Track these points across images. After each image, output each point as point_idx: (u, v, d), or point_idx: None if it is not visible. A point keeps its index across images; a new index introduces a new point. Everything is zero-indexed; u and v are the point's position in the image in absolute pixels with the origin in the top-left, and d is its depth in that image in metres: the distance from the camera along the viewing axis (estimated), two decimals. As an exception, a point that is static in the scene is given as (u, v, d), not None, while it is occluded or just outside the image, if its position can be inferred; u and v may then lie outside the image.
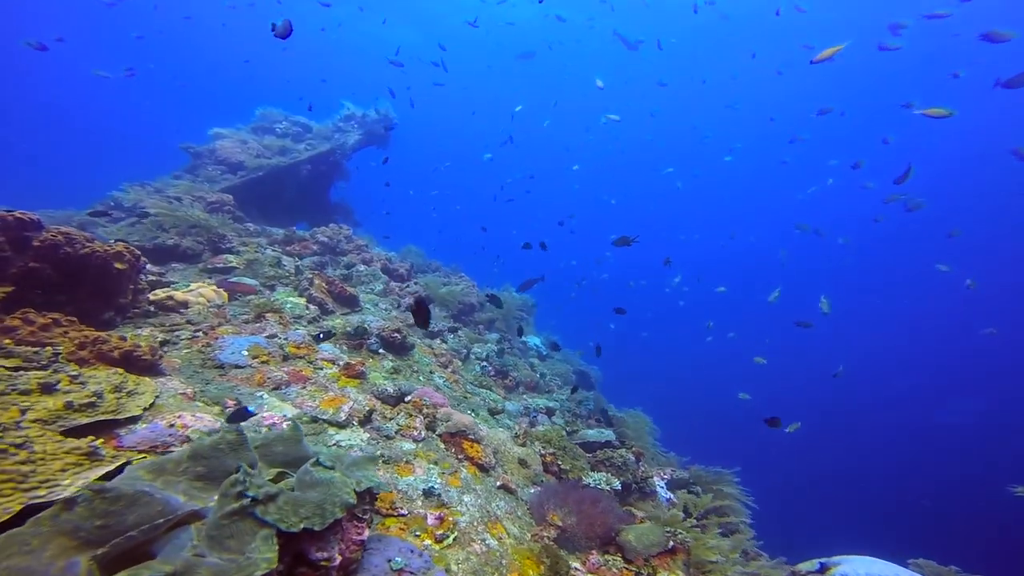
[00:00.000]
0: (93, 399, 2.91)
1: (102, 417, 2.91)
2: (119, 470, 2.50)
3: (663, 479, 6.15)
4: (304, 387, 4.48)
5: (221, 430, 2.49)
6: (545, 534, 3.94)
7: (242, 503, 2.05)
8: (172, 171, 10.89)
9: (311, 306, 6.30)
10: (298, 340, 5.18)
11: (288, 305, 6.06)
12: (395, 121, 14.48)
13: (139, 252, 5.02)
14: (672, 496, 5.88)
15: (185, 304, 5.48)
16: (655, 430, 8.00)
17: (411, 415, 4.60)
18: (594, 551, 4.06)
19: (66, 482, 2.22)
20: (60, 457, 2.31)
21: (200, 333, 4.82)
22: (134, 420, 3.15)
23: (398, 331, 6.07)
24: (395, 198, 16.59)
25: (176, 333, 4.73)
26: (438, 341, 7.40)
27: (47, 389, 2.85)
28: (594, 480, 5.05)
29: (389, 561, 2.80)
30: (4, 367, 2.88)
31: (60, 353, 3.42)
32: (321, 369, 4.92)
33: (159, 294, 5.52)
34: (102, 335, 3.67)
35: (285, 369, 4.62)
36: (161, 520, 2.01)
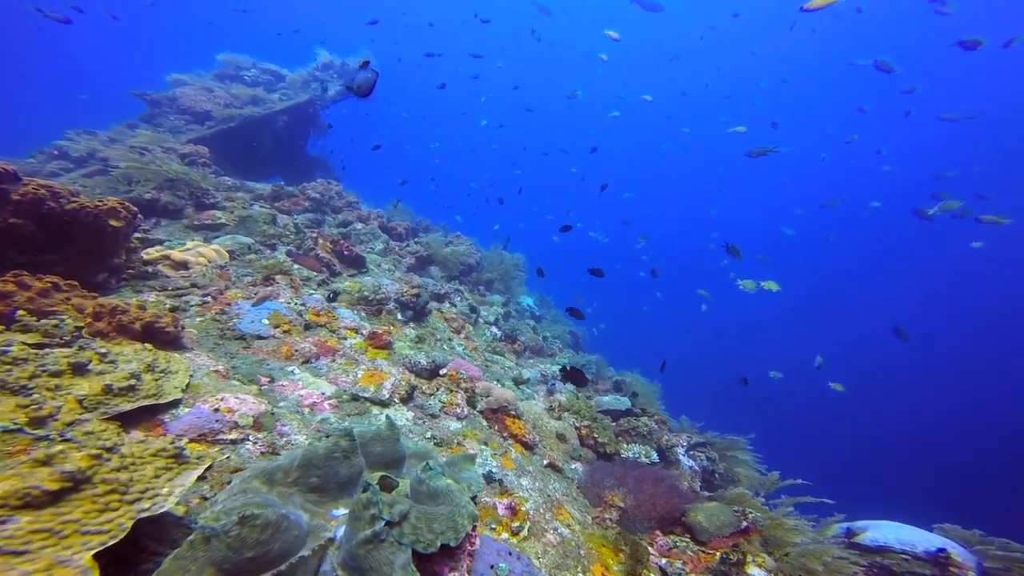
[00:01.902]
0: (132, 381, 2.52)
1: (144, 402, 2.53)
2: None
3: (683, 447, 6.15)
4: (334, 360, 4.13)
5: (335, 436, 2.18)
6: (607, 516, 3.79)
7: (375, 529, 1.78)
8: (125, 120, 9.90)
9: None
10: (317, 306, 4.78)
11: (295, 267, 5.61)
12: (377, 72, 13.54)
13: (136, 208, 4.46)
14: (694, 464, 5.89)
15: (184, 264, 4.97)
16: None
17: (451, 391, 4.33)
18: (658, 532, 3.94)
19: (164, 490, 1.89)
20: (148, 460, 1.96)
21: (209, 298, 4.37)
22: (175, 404, 2.78)
23: (416, 295, 5.72)
24: (381, 156, 15.69)
25: (184, 299, 4.26)
26: (447, 305, 7.08)
27: (79, 370, 2.44)
28: (633, 453, 4.95)
29: (492, 567, 2.59)
30: (26, 344, 2.44)
31: (82, 327, 2.97)
32: (345, 339, 4.57)
33: (152, 253, 4.98)
34: (119, 303, 3.22)
35: (310, 340, 4.25)
36: (307, 553, 1.79)
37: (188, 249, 5.21)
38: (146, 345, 2.97)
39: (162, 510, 1.81)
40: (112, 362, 2.66)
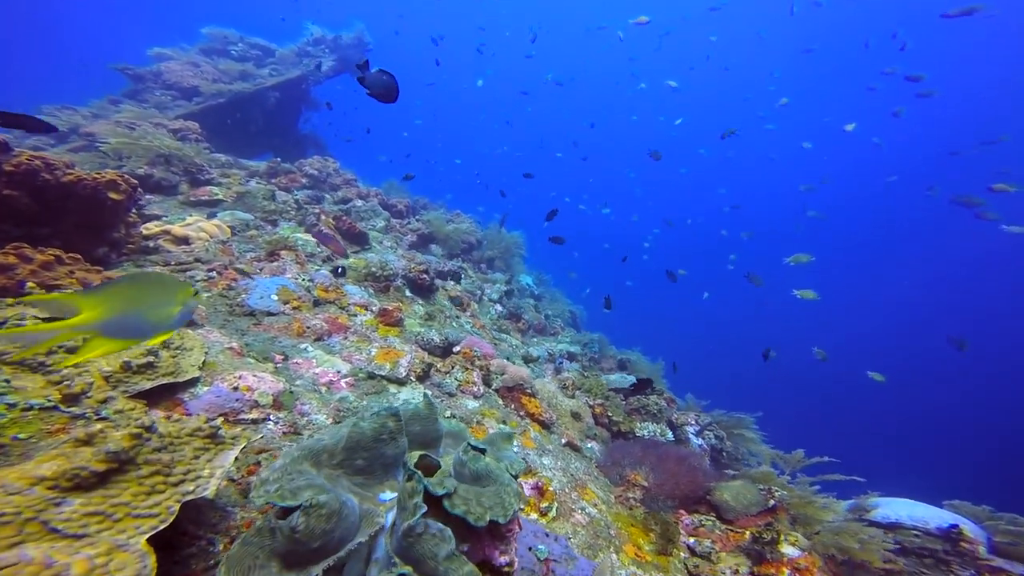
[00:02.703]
0: (150, 358, 2.39)
1: (163, 380, 2.41)
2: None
3: (691, 425, 6.13)
4: (346, 337, 4.02)
5: (382, 416, 2.08)
6: (630, 495, 3.75)
7: (414, 521, 1.71)
8: (106, 95, 9.54)
9: (322, 245, 5.70)
10: (325, 282, 4.65)
11: (299, 242, 5.45)
12: (370, 45, 13.19)
13: (136, 182, 4.27)
14: (703, 443, 5.88)
15: (186, 239, 4.80)
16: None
17: (467, 369, 4.23)
18: (682, 511, 3.91)
19: (206, 472, 1.79)
20: (185, 440, 1.84)
21: (215, 273, 4.22)
22: (193, 383, 2.65)
23: (425, 271, 5.60)
24: (374, 134, 15.34)
25: (189, 274, 4.11)
26: (451, 282, 6.96)
27: (95, 346, 2.31)
28: (648, 431, 4.92)
29: (531, 549, 2.53)
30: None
31: None
32: (356, 316, 4.45)
33: (152, 228, 4.81)
34: (128, 278, 3.07)
35: (321, 316, 4.13)
36: (364, 539, 1.70)
37: (188, 224, 5.04)
38: (159, 320, 2.84)
39: (206, 492, 1.72)
40: (127, 337, 2.53)
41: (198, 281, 4.03)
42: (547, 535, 2.82)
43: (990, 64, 33.13)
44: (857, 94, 36.00)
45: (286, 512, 1.75)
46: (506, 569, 2.06)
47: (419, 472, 1.81)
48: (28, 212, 3.80)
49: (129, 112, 8.44)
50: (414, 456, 2.33)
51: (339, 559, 1.78)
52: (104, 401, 1.96)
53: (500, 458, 2.28)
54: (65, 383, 1.90)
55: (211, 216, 5.69)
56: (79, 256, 3.40)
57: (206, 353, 2.90)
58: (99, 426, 1.70)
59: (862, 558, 4.04)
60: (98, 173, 4.01)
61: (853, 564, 4.06)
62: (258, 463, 2.48)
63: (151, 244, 4.48)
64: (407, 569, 1.69)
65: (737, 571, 3.69)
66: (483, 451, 2.15)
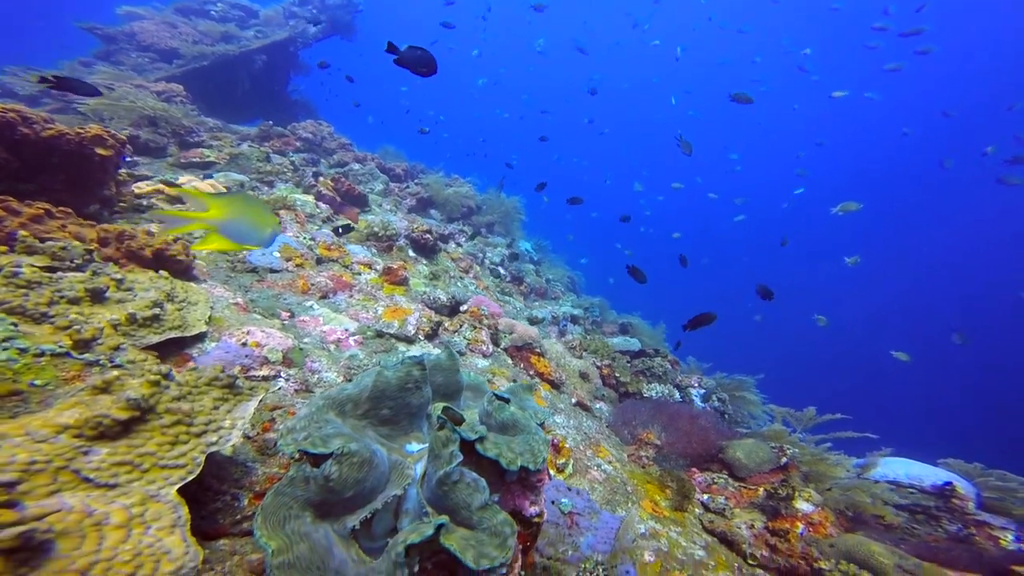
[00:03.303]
0: (156, 310, 2.25)
1: (170, 334, 2.28)
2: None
3: (695, 387, 6.11)
4: (351, 295, 3.89)
5: (407, 364, 1.97)
6: (643, 453, 3.71)
7: (450, 468, 1.63)
8: (75, 56, 9.06)
9: (321, 204, 5.51)
10: (327, 240, 4.49)
11: (298, 202, 5.26)
12: (360, 6, 12.67)
13: (123, 138, 4.04)
14: (707, 405, 5.86)
15: (180, 199, 4.59)
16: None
17: (475, 327, 4.13)
18: (694, 469, 3.88)
19: (227, 423, 1.68)
20: (203, 390, 1.73)
21: (213, 232, 4.05)
22: (201, 338, 2.53)
23: (428, 232, 5.45)
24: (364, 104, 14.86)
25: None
26: (452, 245, 6.81)
27: (97, 297, 2.17)
28: (656, 392, 4.87)
29: (555, 503, 2.47)
30: (34, 266, 2.15)
31: (93, 250, 2.67)
32: (360, 274, 4.31)
33: (144, 187, 4.59)
34: (126, 228, 2.91)
35: (325, 274, 3.99)
36: (399, 491, 1.63)
37: (182, 184, 4.83)
38: (161, 273, 2.69)
39: (229, 443, 1.63)
40: (129, 289, 2.39)
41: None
42: (569, 489, 2.77)
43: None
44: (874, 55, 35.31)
45: (317, 461, 1.66)
46: (536, 520, 1.98)
47: (451, 422, 1.72)
48: (8, 167, 3.58)
49: (104, 74, 8.03)
50: (438, 408, 2.24)
51: (373, 510, 1.70)
52: (116, 348, 1.83)
53: (524, 408, 2.20)
54: (75, 328, 1.77)
55: (205, 178, 5.47)
56: (70, 211, 3.22)
57: (211, 308, 2.76)
58: (115, 373, 1.59)
59: (873, 512, 4.06)
60: (81, 128, 3.78)
61: (857, 519, 4.09)
62: (272, 420, 2.38)
63: (144, 203, 4.28)
64: (443, 518, 1.61)
65: (752, 525, 3.70)
66: (507, 400, 2.06)
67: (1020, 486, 4.72)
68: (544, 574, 2.42)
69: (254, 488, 2.00)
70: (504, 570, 1.77)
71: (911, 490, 4.91)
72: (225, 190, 5.05)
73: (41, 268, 2.20)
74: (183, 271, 3.10)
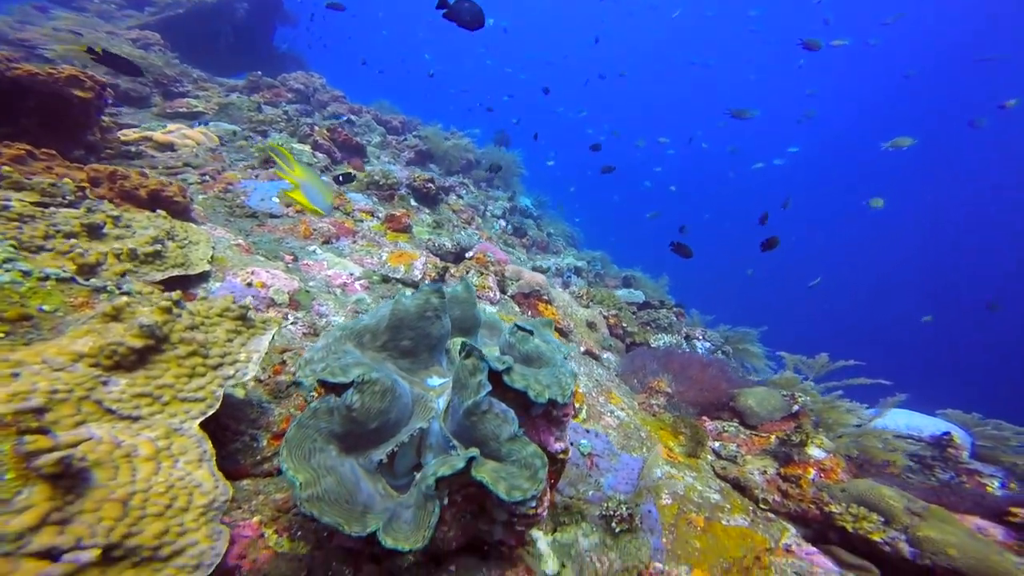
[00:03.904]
0: (157, 247, 2.12)
1: (173, 272, 2.16)
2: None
3: (700, 339, 6.07)
4: (354, 241, 3.76)
5: (425, 292, 1.86)
6: (654, 402, 3.66)
7: (479, 398, 1.54)
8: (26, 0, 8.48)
9: (318, 154, 5.31)
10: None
11: (295, 151, 5.06)
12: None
13: (103, 80, 3.81)
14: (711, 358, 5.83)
15: (170, 146, 4.39)
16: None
17: (482, 273, 4.01)
18: (705, 418, 3.84)
19: (242, 356, 1.59)
20: (215, 321, 1.64)
21: (208, 177, 3.88)
22: (204, 277, 2.41)
23: (430, 181, 5.27)
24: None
25: (180, 177, 3.77)
26: (453, 197, 6.63)
27: (94, 233, 2.03)
28: (663, 342, 4.81)
29: (574, 444, 2.40)
30: (24, 201, 2.00)
31: (85, 188, 2.51)
32: (362, 221, 4.17)
33: (131, 135, 4.38)
34: (118, 169, 2.75)
35: (327, 220, 3.85)
36: (425, 424, 1.59)
37: (171, 131, 4.61)
38: (159, 212, 2.55)
39: (246, 377, 1.55)
40: (127, 227, 2.25)
41: (191, 184, 3.69)
42: (587, 432, 2.71)
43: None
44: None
45: (337, 393, 1.57)
46: (561, 456, 1.91)
47: (480, 349, 1.62)
48: (-26, 109, 3.37)
49: (66, 19, 7.46)
50: (457, 342, 2.15)
51: (399, 443, 1.62)
52: (122, 275, 1.72)
53: (547, 341, 2.11)
54: (77, 252, 1.65)
55: (194, 127, 5.24)
56: (54, 152, 3.04)
57: (213, 248, 2.63)
58: (125, 299, 1.48)
59: (884, 459, 4.07)
60: (53, 68, 3.54)
61: (865, 465, 4.11)
62: (283, 362, 2.29)
63: (133, 149, 4.08)
64: (474, 451, 1.53)
65: (764, 471, 3.69)
66: (531, 332, 1.97)
67: (1014, 435, 4.77)
68: (566, 513, 2.38)
69: (271, 429, 1.92)
70: (535, 503, 1.71)
71: (911, 440, 4.95)
72: (217, 139, 4.83)
73: (34, 204, 2.06)
74: (181, 212, 2.95)
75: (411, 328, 1.81)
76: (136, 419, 1.34)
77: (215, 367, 1.51)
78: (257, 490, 1.77)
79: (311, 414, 1.47)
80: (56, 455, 1.07)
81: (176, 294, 1.54)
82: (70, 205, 2.28)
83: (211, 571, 1.28)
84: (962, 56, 34.60)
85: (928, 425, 5.04)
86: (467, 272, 3.99)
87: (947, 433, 4.78)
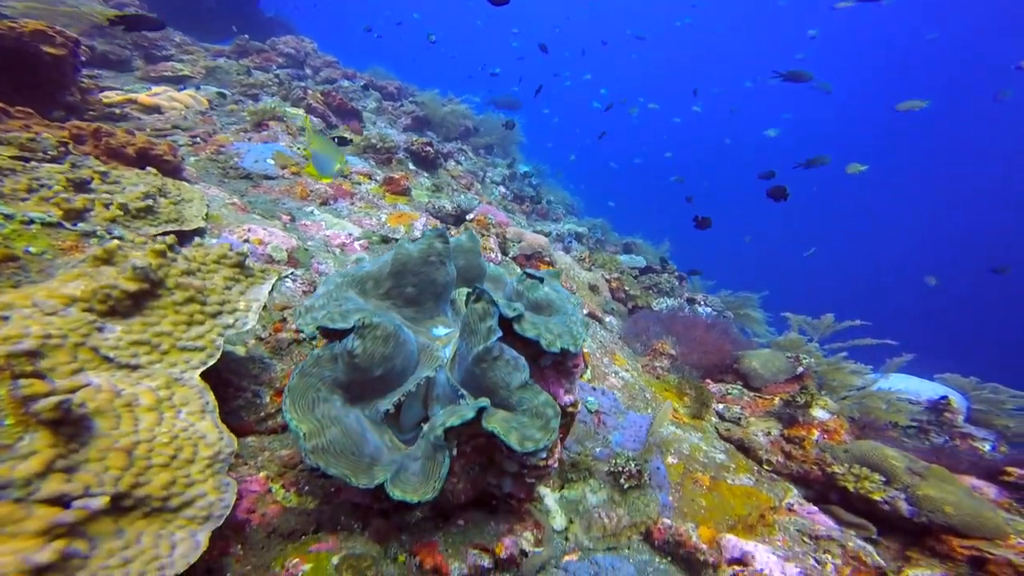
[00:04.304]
0: (149, 202, 2.04)
1: (168, 227, 2.08)
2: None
3: (701, 304, 6.03)
4: (352, 203, 3.67)
5: (429, 237, 1.79)
6: (657, 364, 3.63)
7: (490, 343, 1.48)
8: None
9: (312, 118, 5.17)
10: (322, 152, 4.21)
11: (288, 115, 4.92)
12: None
13: (75, 36, 3.63)
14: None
15: (157, 109, 4.25)
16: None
17: (483, 234, 3.94)
18: (708, 380, 3.81)
19: (241, 305, 1.54)
20: (212, 267, 1.58)
21: (199, 140, 3.76)
22: (200, 234, 2.33)
23: (429, 144, 5.15)
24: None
25: (170, 138, 3.65)
26: (452, 163, 6.50)
27: (81, 188, 1.95)
28: (666, 306, 4.77)
29: (580, 401, 2.37)
30: (1, 155, 1.91)
31: (67, 143, 2.41)
32: (360, 184, 4.07)
33: (114, 97, 4.23)
34: (102, 126, 2.64)
35: (324, 183, 3.75)
36: (431, 373, 1.54)
37: (157, 94, 4.45)
38: (149, 169, 2.45)
39: (247, 327, 1.51)
40: (116, 182, 2.16)
41: (181, 146, 3.57)
42: (594, 389, 2.67)
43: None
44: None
45: (341, 340, 1.51)
46: (570, 409, 1.87)
47: (490, 293, 1.55)
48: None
49: None
50: (463, 292, 2.09)
51: (406, 392, 1.57)
52: (112, 221, 1.65)
53: (556, 291, 2.05)
54: (62, 196, 1.57)
55: (181, 90, 5.07)
56: (31, 111, 2.91)
57: (208, 205, 2.54)
58: (116, 242, 1.41)
59: (888, 419, 4.08)
60: (13, 23, 3.34)
61: (868, 427, 4.11)
62: (284, 320, 2.23)
63: (118, 111, 3.93)
64: (484, 401, 1.47)
65: (769, 433, 3.69)
66: (540, 280, 1.90)
67: (1009, 398, 4.80)
68: (573, 469, 2.36)
69: (274, 385, 1.87)
70: (545, 454, 1.67)
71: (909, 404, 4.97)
72: (207, 102, 4.68)
73: (9, 158, 1.96)
74: (172, 171, 2.85)
75: (415, 274, 1.75)
76: (135, 368, 1.29)
77: (214, 315, 1.45)
78: (262, 446, 1.73)
79: (313, 362, 1.41)
80: (54, 399, 1.04)
81: (170, 238, 1.47)
82: (53, 161, 2.18)
83: (221, 523, 1.25)
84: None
85: (926, 390, 5.06)
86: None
87: (944, 397, 4.80)
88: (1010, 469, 3.54)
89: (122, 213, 1.86)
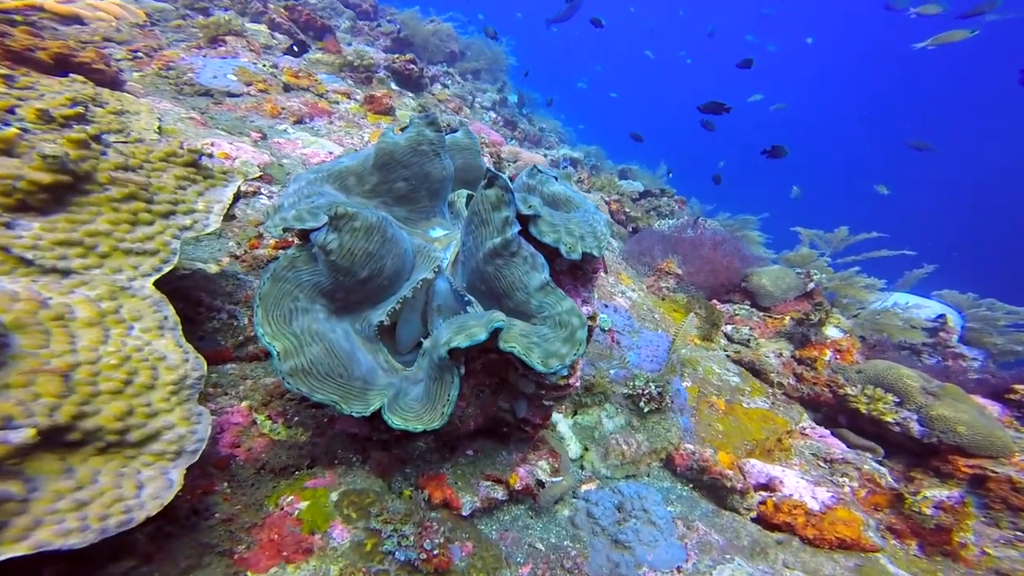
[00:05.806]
0: (79, 109, 1.70)
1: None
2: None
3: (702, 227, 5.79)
4: (331, 122, 3.34)
5: (417, 124, 1.50)
6: (663, 284, 3.44)
7: (508, 236, 1.21)
8: None
9: (277, 35, 4.68)
10: (292, 66, 3.81)
11: (249, 31, 4.43)
12: None
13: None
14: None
15: (77, 19, 3.72)
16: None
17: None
18: (715, 301, 3.63)
19: (200, 206, 1.31)
20: (158, 166, 1.33)
21: (141, 54, 3.34)
22: (152, 144, 2.02)
23: (412, 62, 4.72)
24: None
25: (107, 51, 3.22)
26: (438, 86, 6.04)
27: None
28: (668, 227, 4.55)
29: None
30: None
31: None
32: (338, 103, 3.71)
33: (8, 2, 3.68)
34: None
35: (297, 100, 3.39)
36: (429, 275, 1.31)
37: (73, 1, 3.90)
38: (75, 77, 2.09)
39: (208, 229, 1.30)
40: (29, 88, 1.81)
41: (119, 61, 3.15)
42: (606, 306, 2.46)
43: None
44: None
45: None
46: (588, 322, 1.64)
47: (504, 176, 1.27)
48: None
49: None
50: (462, 194, 1.82)
51: (401, 299, 1.32)
52: (8, 110, 1.37)
53: (569, 189, 1.79)
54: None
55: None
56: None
57: (159, 120, 2.21)
58: (13, 130, 1.13)
59: (903, 337, 3.96)
60: None
61: (875, 345, 4.01)
62: (259, 236, 1.97)
63: (18, 18, 3.40)
64: (500, 320, 1.20)
65: (781, 354, 3.56)
66: (553, 177, 1.63)
67: (1004, 315, 4.71)
68: (588, 393, 2.18)
69: (252, 304, 1.62)
70: (567, 371, 1.46)
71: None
72: (144, 15, 4.15)
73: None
74: (108, 83, 2.47)
75: (404, 166, 1.47)
76: (66, 273, 1.04)
77: (165, 215, 1.19)
78: (243, 374, 1.51)
79: (288, 263, 1.16)
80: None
81: (93, 128, 1.19)
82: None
83: (196, 458, 1.05)
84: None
85: (924, 309, 4.95)
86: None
87: (941, 316, 4.71)
88: (1017, 387, 3.50)
89: (41, 121, 1.54)
